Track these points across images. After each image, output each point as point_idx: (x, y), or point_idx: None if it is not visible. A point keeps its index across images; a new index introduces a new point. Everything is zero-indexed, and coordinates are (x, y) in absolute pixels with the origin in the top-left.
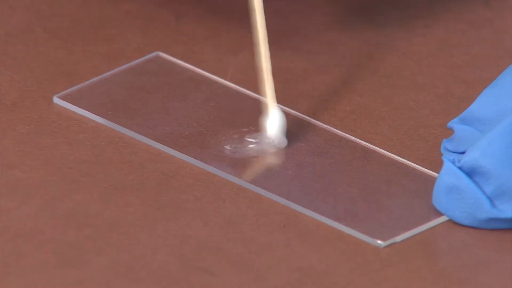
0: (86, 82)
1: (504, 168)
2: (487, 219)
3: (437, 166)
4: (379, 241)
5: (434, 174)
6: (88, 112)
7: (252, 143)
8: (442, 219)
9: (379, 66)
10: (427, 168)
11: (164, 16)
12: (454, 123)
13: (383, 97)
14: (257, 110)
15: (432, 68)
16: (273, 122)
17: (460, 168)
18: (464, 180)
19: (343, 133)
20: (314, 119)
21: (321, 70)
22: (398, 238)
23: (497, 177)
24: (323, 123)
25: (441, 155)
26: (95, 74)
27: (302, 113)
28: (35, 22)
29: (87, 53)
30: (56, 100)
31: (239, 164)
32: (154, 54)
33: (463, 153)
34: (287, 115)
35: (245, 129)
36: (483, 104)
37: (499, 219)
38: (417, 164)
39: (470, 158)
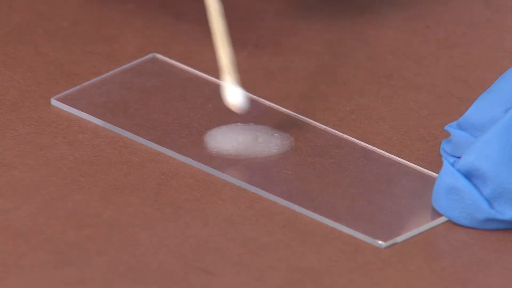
0: (84, 83)
1: (500, 169)
2: (485, 220)
3: (437, 166)
4: (380, 242)
5: (434, 174)
6: (87, 114)
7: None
8: (442, 219)
9: (379, 66)
10: (427, 168)
11: (164, 16)
12: (451, 127)
13: (383, 97)
14: (256, 110)
15: (432, 68)
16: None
17: (458, 170)
18: (462, 181)
19: (343, 133)
20: (314, 119)
21: (321, 70)
22: (399, 239)
23: (493, 179)
24: (323, 123)
25: (441, 156)
26: (95, 75)
27: (302, 113)
28: (35, 22)
29: (87, 53)
30: (54, 102)
31: (239, 164)
32: (150, 55)
33: (460, 157)
34: (286, 115)
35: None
36: (478, 110)
37: (498, 220)
38: (417, 164)
39: (466, 161)
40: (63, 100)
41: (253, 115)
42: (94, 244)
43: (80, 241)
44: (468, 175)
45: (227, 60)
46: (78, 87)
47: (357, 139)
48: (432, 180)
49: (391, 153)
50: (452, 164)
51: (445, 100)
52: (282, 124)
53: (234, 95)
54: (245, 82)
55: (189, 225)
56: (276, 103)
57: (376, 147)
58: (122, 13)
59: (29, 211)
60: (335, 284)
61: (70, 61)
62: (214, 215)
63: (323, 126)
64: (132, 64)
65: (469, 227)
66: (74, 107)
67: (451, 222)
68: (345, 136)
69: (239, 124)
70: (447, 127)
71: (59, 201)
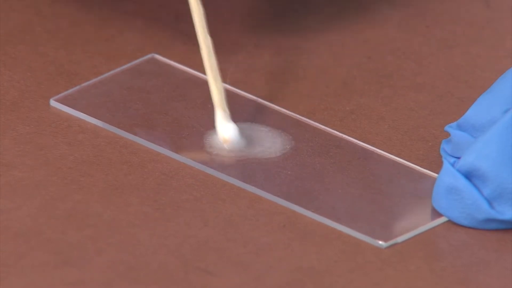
0: (84, 84)
1: (500, 169)
2: (485, 220)
3: (436, 166)
4: (380, 242)
5: (434, 174)
6: (86, 114)
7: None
8: (442, 219)
9: (379, 66)
10: (427, 169)
11: (164, 16)
12: (451, 128)
13: (383, 97)
14: (256, 110)
15: (432, 68)
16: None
17: (458, 171)
18: (462, 181)
19: (343, 133)
20: (314, 119)
21: (321, 70)
22: (399, 239)
23: (493, 179)
24: (323, 123)
25: (441, 156)
26: (95, 75)
27: (302, 113)
28: (35, 22)
29: (87, 53)
30: (53, 102)
31: (239, 164)
32: (150, 55)
33: (460, 158)
34: (286, 115)
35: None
36: (478, 111)
37: (498, 220)
38: (417, 164)
39: (466, 161)
40: (63, 100)
41: (253, 115)
42: (94, 244)
43: (80, 241)
44: (468, 175)
45: (219, 96)
46: (78, 87)
47: (357, 139)
48: (432, 180)
49: (391, 153)
50: (452, 164)
51: (445, 100)
52: (282, 124)
53: (227, 131)
54: (245, 82)
55: (189, 225)
56: (276, 103)
57: (376, 147)
58: (122, 13)
59: (29, 211)
60: (335, 284)
61: (70, 61)
62: (214, 215)
63: (323, 126)
64: (131, 64)
65: (469, 227)
66: (74, 108)
67: (451, 222)
68: (345, 136)
69: (239, 124)
70: (447, 128)
71: (59, 201)
